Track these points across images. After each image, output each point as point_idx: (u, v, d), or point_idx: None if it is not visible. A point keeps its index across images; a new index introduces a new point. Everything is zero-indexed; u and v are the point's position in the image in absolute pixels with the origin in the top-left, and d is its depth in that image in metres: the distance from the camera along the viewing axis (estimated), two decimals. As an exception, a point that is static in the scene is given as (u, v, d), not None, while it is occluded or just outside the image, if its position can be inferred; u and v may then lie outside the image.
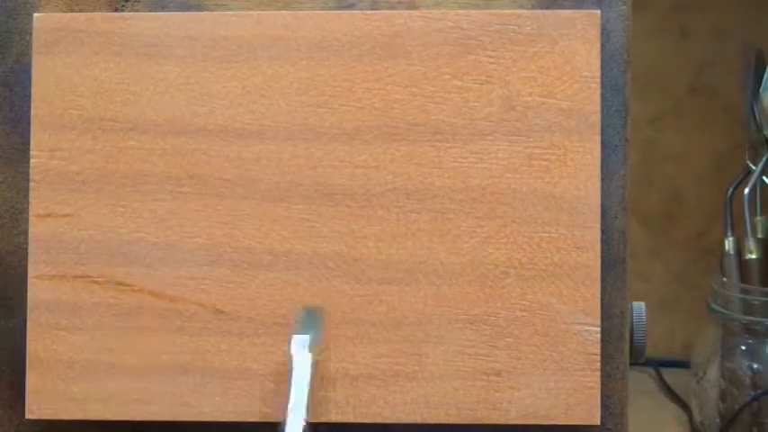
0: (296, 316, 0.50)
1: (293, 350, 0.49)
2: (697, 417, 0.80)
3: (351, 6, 0.53)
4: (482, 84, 0.51)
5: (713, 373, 0.79)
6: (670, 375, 0.88)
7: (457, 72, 0.51)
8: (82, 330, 0.51)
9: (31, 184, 0.52)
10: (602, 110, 0.51)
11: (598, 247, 0.51)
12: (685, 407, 0.84)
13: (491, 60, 0.51)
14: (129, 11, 0.53)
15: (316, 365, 0.49)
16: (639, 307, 0.53)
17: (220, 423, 0.51)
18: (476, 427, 0.51)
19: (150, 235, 0.51)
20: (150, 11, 0.53)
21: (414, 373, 0.51)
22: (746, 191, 0.78)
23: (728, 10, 0.90)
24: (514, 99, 0.51)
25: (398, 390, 0.51)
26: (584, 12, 0.51)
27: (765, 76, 0.78)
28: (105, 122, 0.52)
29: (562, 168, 0.51)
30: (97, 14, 0.53)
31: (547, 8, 0.52)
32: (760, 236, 0.79)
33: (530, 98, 0.51)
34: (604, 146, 0.51)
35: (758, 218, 0.79)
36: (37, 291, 0.52)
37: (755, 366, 0.77)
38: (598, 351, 0.50)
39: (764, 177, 0.79)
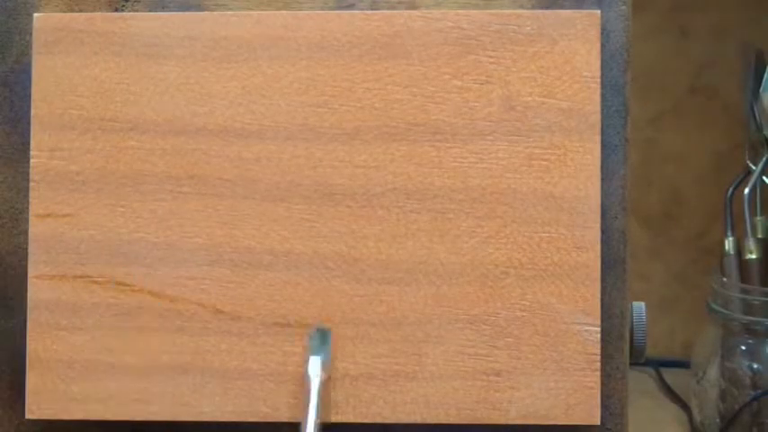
0: (309, 336, 0.51)
1: (310, 371, 0.50)
2: (697, 417, 0.80)
3: (351, 6, 0.53)
4: (482, 84, 0.51)
5: (713, 373, 0.79)
6: (670, 375, 0.88)
7: (457, 72, 0.51)
8: (82, 330, 0.51)
9: (31, 184, 0.52)
10: (602, 110, 0.51)
11: (598, 247, 0.51)
12: (685, 407, 0.84)
13: (491, 60, 0.51)
14: (129, 11, 0.53)
15: (325, 383, 0.50)
16: (639, 307, 0.53)
17: (220, 423, 0.51)
18: (476, 427, 0.51)
19: (150, 235, 0.51)
20: (150, 11, 0.53)
21: (414, 373, 0.51)
22: (746, 191, 0.78)
23: (728, 10, 0.90)
24: (514, 99, 0.51)
25: (398, 390, 0.51)
26: (584, 12, 0.51)
27: (765, 76, 0.78)
28: (105, 122, 0.52)
29: (562, 168, 0.51)
30: (97, 14, 0.53)
31: (547, 8, 0.52)
32: (760, 236, 0.79)
33: (530, 98, 0.51)
34: (604, 146, 0.51)
35: (758, 218, 0.79)
36: (37, 291, 0.52)
37: (755, 366, 0.77)
38: (598, 351, 0.50)
39: (764, 177, 0.79)
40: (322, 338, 0.51)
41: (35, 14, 0.53)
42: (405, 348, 0.51)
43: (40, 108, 0.52)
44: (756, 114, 0.79)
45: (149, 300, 0.51)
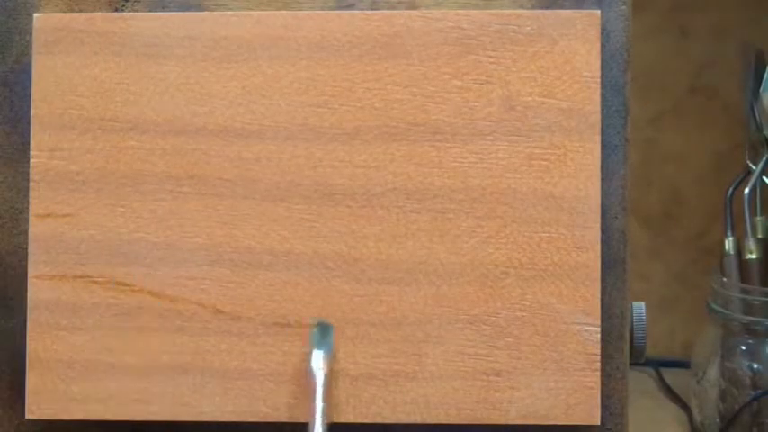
0: (310, 330, 0.51)
1: (314, 364, 0.50)
2: (697, 417, 0.80)
3: (351, 6, 0.53)
4: (482, 84, 0.51)
5: (713, 373, 0.79)
6: (670, 375, 0.88)
7: (457, 72, 0.51)
8: (82, 330, 0.51)
9: (31, 184, 0.52)
10: (602, 110, 0.51)
11: (598, 247, 0.51)
12: (685, 407, 0.84)
13: (491, 60, 0.51)
14: (129, 11, 0.53)
15: (328, 377, 0.50)
16: (639, 307, 0.53)
17: (220, 423, 0.51)
18: (476, 427, 0.51)
19: (150, 235, 0.51)
20: (150, 11, 0.53)
21: (414, 373, 0.51)
22: (746, 191, 0.78)
23: (728, 10, 0.90)
24: (514, 99, 0.51)
25: (398, 390, 0.51)
26: (584, 12, 0.51)
27: (765, 76, 0.78)
28: (105, 122, 0.52)
29: (562, 168, 0.51)
30: (97, 14, 0.53)
31: (547, 8, 0.52)
32: (760, 236, 0.79)
33: (530, 98, 0.51)
34: (604, 146, 0.51)
35: (758, 218, 0.79)
36: (37, 291, 0.52)
37: (755, 366, 0.77)
38: (598, 351, 0.50)
39: (764, 177, 0.79)
40: (323, 332, 0.51)
41: (35, 14, 0.53)
42: (405, 348, 0.51)
43: (40, 108, 0.52)
44: (756, 114, 0.79)
45: (149, 300, 0.51)
